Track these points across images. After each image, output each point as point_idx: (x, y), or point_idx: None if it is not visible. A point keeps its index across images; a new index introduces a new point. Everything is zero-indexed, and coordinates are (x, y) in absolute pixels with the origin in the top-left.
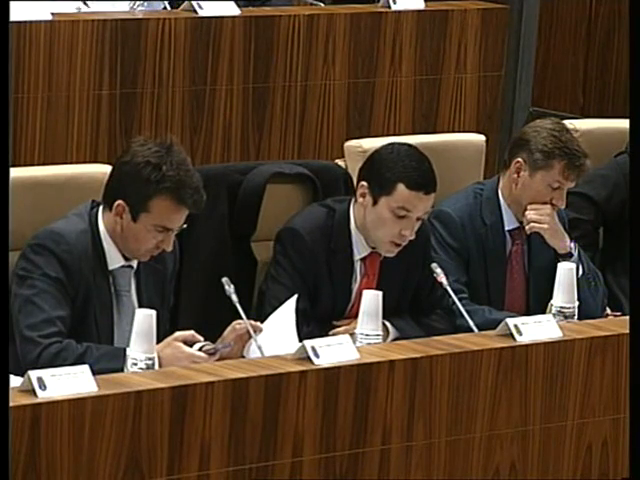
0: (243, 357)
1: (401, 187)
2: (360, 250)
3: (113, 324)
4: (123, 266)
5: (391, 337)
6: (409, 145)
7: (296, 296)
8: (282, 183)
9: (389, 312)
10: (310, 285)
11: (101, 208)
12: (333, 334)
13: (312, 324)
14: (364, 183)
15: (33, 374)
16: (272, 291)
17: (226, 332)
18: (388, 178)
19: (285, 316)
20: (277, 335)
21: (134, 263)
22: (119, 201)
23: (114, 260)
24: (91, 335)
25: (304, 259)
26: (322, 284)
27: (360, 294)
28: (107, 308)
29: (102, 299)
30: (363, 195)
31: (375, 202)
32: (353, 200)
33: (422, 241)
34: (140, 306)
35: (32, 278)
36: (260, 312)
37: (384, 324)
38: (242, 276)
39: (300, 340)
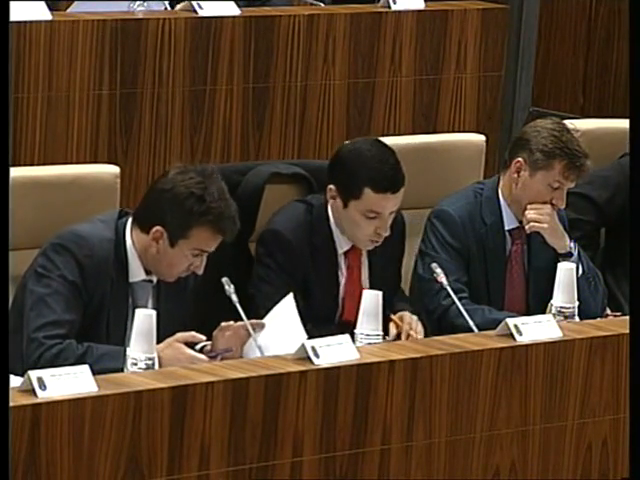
0: (241, 357)
1: (368, 191)
2: (342, 244)
3: (125, 334)
4: (144, 280)
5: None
6: (371, 142)
7: (292, 294)
8: (280, 183)
9: (388, 302)
10: (299, 283)
11: (130, 222)
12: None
13: (309, 322)
14: (332, 187)
15: (33, 374)
16: (264, 293)
17: (215, 333)
18: (354, 183)
19: (287, 313)
20: (280, 333)
21: (154, 278)
22: (157, 227)
23: (135, 273)
24: (101, 342)
25: (290, 258)
26: (311, 280)
27: (348, 287)
28: (122, 319)
29: (118, 310)
30: (333, 197)
31: (345, 205)
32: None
33: (400, 233)
34: (157, 321)
35: (49, 277)
36: (253, 315)
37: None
38: (241, 276)
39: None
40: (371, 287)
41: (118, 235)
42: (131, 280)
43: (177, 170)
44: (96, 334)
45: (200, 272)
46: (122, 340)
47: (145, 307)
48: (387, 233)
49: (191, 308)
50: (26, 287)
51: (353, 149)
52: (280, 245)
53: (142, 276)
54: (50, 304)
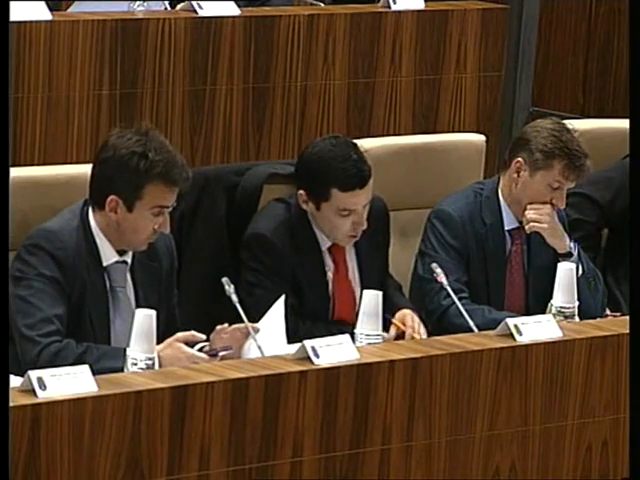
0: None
1: (335, 192)
2: (325, 241)
3: (109, 320)
4: (117, 262)
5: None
6: (331, 142)
7: (283, 298)
8: (278, 184)
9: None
10: (290, 282)
11: (90, 207)
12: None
13: (306, 321)
14: (301, 192)
15: (33, 374)
16: (257, 297)
17: (212, 336)
18: (321, 185)
19: (274, 319)
20: (268, 338)
21: (128, 258)
22: (111, 197)
23: (108, 256)
24: (86, 331)
25: (276, 259)
26: (299, 279)
27: (336, 282)
28: (102, 304)
29: (97, 295)
30: (305, 202)
31: (318, 208)
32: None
33: (382, 220)
34: (137, 302)
35: (28, 279)
36: (249, 320)
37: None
38: (240, 276)
39: (289, 342)
40: (360, 279)
41: (83, 222)
42: (105, 264)
43: (115, 136)
44: (81, 322)
45: (166, 231)
46: (106, 325)
47: (122, 288)
48: (364, 226)
49: (174, 294)
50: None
51: (315, 152)
52: (264, 248)
53: (115, 258)
54: (35, 303)
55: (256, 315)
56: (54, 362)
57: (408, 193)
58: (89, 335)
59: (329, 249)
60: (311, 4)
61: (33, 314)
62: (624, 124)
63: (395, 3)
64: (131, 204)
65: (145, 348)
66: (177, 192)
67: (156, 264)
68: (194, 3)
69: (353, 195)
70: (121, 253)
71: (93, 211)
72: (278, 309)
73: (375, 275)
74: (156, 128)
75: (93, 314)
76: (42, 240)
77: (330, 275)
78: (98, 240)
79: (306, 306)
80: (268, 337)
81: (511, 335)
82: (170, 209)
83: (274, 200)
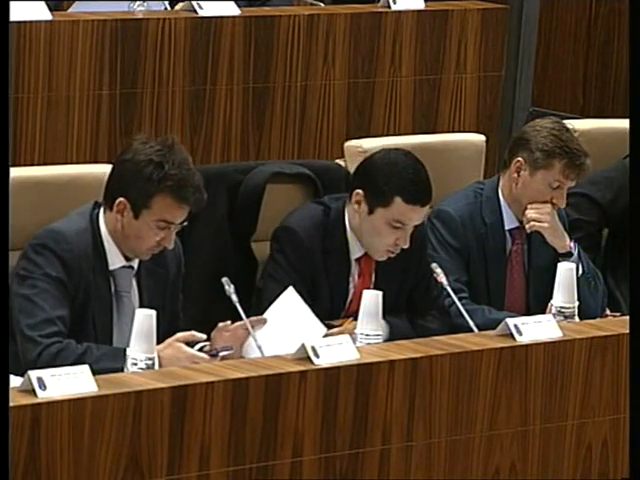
0: (242, 357)
1: (398, 200)
2: (355, 250)
3: (112, 324)
4: (124, 266)
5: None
6: (405, 153)
7: (291, 288)
8: (282, 183)
9: (386, 311)
10: (308, 283)
11: (102, 208)
12: (327, 335)
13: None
14: (359, 191)
15: (33, 374)
16: (270, 289)
17: (213, 333)
18: (385, 190)
19: (293, 306)
20: (289, 326)
21: (135, 264)
22: (120, 199)
23: (115, 260)
24: (89, 334)
25: (301, 257)
26: (319, 282)
27: (357, 293)
28: (107, 308)
29: (102, 299)
30: (358, 202)
31: (371, 212)
32: (348, 200)
33: (419, 240)
34: (141, 308)
35: (33, 278)
36: (258, 310)
37: None
38: (242, 276)
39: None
40: (382, 295)
41: (93, 224)
42: (111, 268)
43: (139, 141)
44: (84, 325)
45: (170, 246)
46: (109, 329)
47: (128, 293)
48: (406, 245)
49: (179, 300)
50: (11, 292)
51: (387, 157)
52: (292, 243)
53: (121, 262)
54: (38, 303)
55: (267, 306)
56: (54, 362)
57: None
58: (91, 339)
59: (358, 260)
60: (311, 4)
61: (36, 314)
62: (624, 124)
63: (395, 3)
64: (138, 211)
65: (145, 348)
66: (187, 211)
67: (163, 270)
68: (194, 3)
69: (413, 210)
70: (128, 258)
71: (104, 212)
72: (289, 297)
73: (389, 297)
74: (160, 132)
75: (96, 318)
76: (49, 240)
77: (352, 286)
78: (106, 244)
79: (317, 310)
80: (284, 328)
81: (511, 335)
82: (178, 227)
83: (312, 201)
